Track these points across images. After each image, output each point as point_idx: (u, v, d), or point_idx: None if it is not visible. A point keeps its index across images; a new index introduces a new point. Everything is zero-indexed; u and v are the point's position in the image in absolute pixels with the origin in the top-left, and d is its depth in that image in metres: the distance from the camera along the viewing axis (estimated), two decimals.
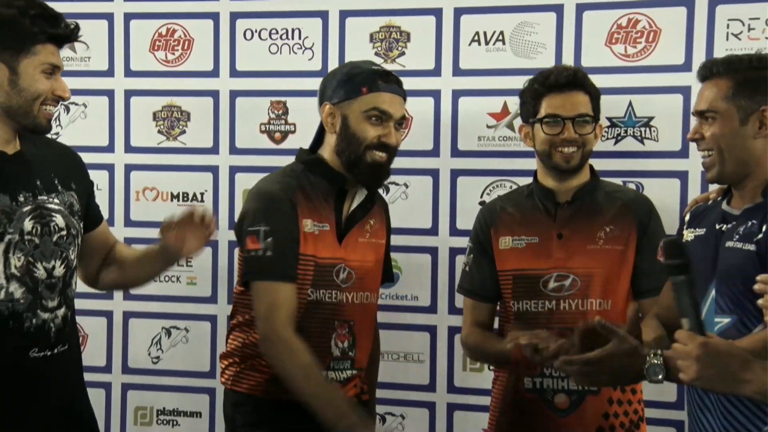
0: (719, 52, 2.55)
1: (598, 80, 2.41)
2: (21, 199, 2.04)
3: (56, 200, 2.12)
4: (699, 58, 2.59)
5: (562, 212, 2.37)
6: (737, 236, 2.01)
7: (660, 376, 1.82)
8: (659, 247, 1.83)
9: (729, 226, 2.07)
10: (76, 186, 2.19)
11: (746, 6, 2.58)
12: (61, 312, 2.10)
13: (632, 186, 2.63)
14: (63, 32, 2.08)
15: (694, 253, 2.08)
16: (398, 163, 2.65)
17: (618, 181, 2.55)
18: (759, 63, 1.97)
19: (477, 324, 2.50)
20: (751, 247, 1.95)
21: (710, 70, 2.00)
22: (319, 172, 2.32)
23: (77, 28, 2.08)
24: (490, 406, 2.46)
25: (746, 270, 1.95)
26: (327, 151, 2.32)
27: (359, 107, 2.28)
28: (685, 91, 2.60)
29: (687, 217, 2.23)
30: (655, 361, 1.84)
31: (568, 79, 2.33)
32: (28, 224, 2.05)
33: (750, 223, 2.01)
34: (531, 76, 2.44)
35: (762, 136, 1.96)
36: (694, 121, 2.44)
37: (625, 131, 2.68)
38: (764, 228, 1.95)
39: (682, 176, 2.64)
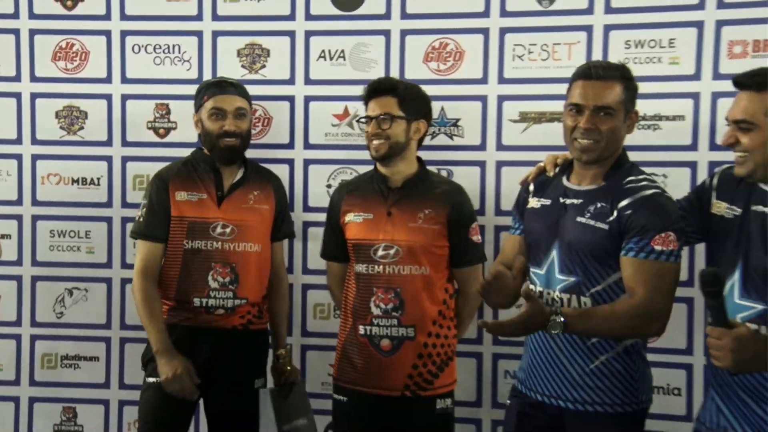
0: (508, 70, 2.93)
1: None
2: None
3: None
4: (494, 73, 2.93)
5: (392, 195, 2.62)
6: (588, 214, 2.19)
7: (558, 331, 2.06)
8: (699, 276, 1.82)
9: (575, 201, 2.23)
10: None
11: (527, 35, 2.90)
12: None
13: (444, 173, 2.91)
14: None
15: (540, 218, 2.33)
16: (262, 154, 3.01)
17: (433, 168, 2.79)
18: None
19: (335, 278, 2.80)
20: (604, 226, 2.15)
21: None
22: (198, 160, 2.78)
23: None
24: (337, 347, 2.73)
25: (596, 243, 2.17)
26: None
27: (205, 111, 2.75)
28: (483, 99, 2.94)
29: (531, 187, 2.41)
30: (557, 320, 2.05)
31: (376, 87, 2.63)
32: None
33: (600, 205, 2.19)
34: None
35: None
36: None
37: (439, 130, 2.97)
38: (615, 213, 2.14)
39: (481, 165, 2.97)
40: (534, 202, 2.35)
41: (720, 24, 2.75)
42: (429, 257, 2.62)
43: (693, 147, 2.81)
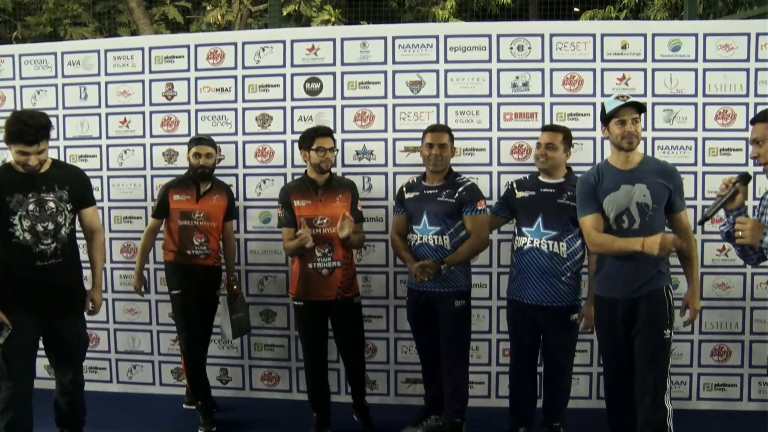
0: (398, 125, 4.75)
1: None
2: (30, 195, 3.37)
3: (51, 195, 3.43)
4: (390, 126, 4.73)
5: (321, 190, 4.02)
6: (444, 195, 3.80)
7: (446, 270, 3.61)
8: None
9: (433, 191, 3.79)
10: (69, 188, 3.49)
11: (407, 107, 4.72)
12: (53, 245, 3.43)
13: (366, 179, 4.64)
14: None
15: (414, 202, 3.86)
16: (269, 171, 4.76)
17: (360, 177, 4.52)
18: None
19: (290, 236, 4.00)
20: (453, 201, 3.83)
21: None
22: (186, 177, 4.29)
23: None
24: (293, 276, 4.13)
25: (449, 209, 3.77)
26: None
27: (191, 153, 4.26)
28: (385, 140, 4.72)
29: (405, 188, 4.02)
30: (444, 266, 3.59)
31: (323, 131, 4.03)
32: (31, 206, 3.36)
33: (448, 191, 3.82)
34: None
35: None
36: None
37: (363, 156, 4.71)
38: (457, 194, 3.81)
39: (386, 174, 4.66)
40: (409, 195, 4.07)
41: (499, 105, 4.87)
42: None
43: (490, 163, 4.80)
